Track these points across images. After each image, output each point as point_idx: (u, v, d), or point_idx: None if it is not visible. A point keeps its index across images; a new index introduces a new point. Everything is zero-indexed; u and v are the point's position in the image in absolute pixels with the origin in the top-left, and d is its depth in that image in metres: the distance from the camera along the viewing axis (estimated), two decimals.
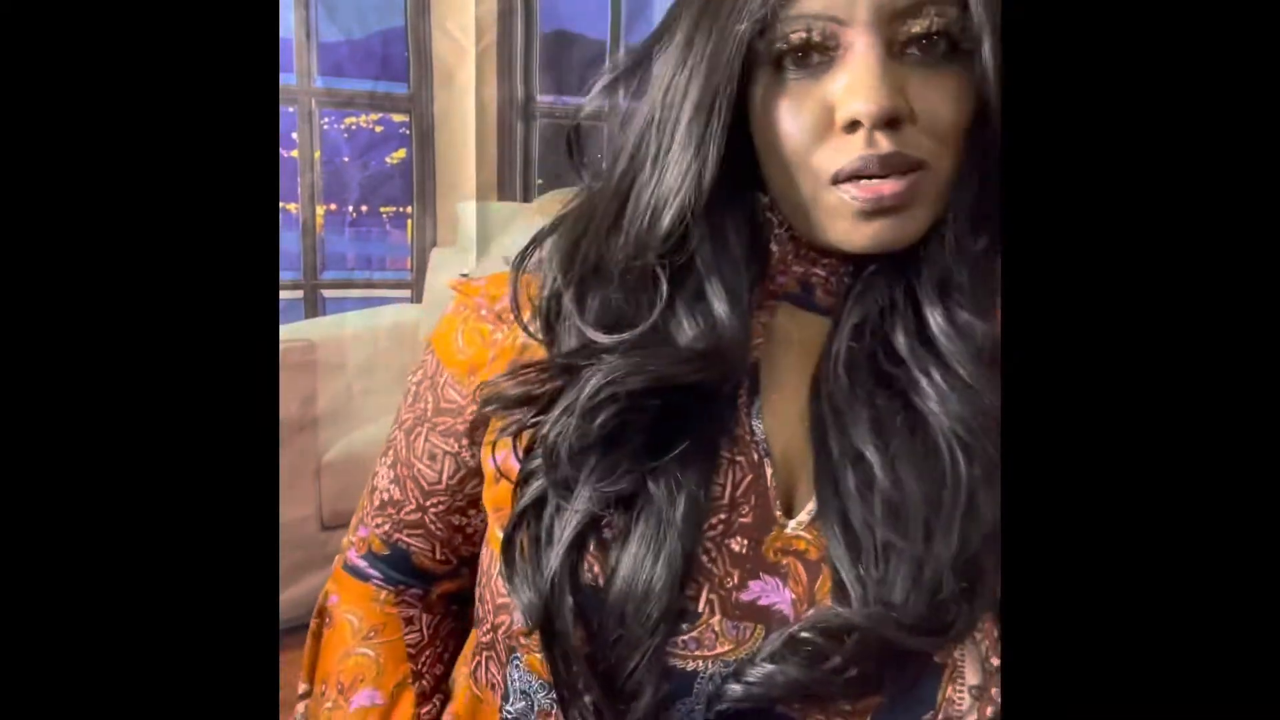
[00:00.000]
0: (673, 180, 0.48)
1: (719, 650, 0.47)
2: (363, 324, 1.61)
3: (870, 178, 0.46)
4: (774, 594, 0.48)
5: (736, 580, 0.48)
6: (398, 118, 1.57)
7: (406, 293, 1.63)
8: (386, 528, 0.61)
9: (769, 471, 0.50)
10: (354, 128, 1.55)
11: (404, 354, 1.64)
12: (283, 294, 1.52)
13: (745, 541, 0.49)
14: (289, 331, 1.54)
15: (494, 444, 0.53)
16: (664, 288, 0.49)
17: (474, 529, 0.61)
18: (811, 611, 0.47)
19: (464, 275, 0.61)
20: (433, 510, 0.60)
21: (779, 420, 0.51)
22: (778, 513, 0.49)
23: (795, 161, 0.47)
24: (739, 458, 0.50)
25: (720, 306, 0.49)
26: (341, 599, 0.64)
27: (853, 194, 0.46)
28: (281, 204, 1.45)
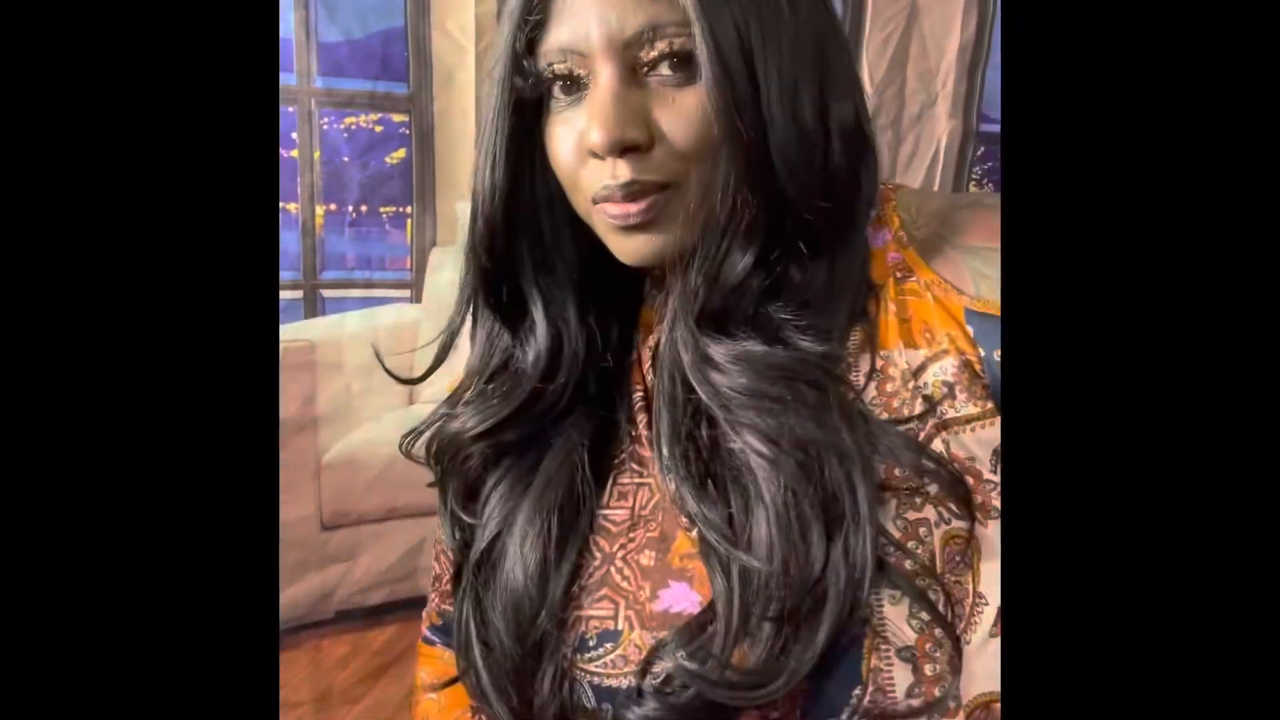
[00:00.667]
0: (481, 199, 0.52)
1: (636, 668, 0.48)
2: (363, 324, 1.61)
3: (613, 201, 0.48)
4: (683, 599, 0.49)
5: (648, 592, 0.49)
6: (398, 118, 1.57)
7: (406, 293, 1.64)
8: (436, 600, 0.65)
9: (671, 485, 0.50)
10: (354, 128, 1.55)
11: (404, 354, 1.63)
12: (283, 294, 1.52)
13: (653, 554, 0.50)
14: (289, 331, 1.55)
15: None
16: (477, 311, 0.54)
17: None
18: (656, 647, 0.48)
19: None
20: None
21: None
22: (683, 521, 0.50)
23: (569, 184, 0.50)
24: (647, 479, 0.52)
25: (564, 313, 0.53)
26: (420, 664, 0.68)
27: (609, 212, 0.48)
28: (281, 204, 1.45)
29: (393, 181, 1.59)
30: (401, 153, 1.58)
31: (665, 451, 0.50)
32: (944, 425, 0.47)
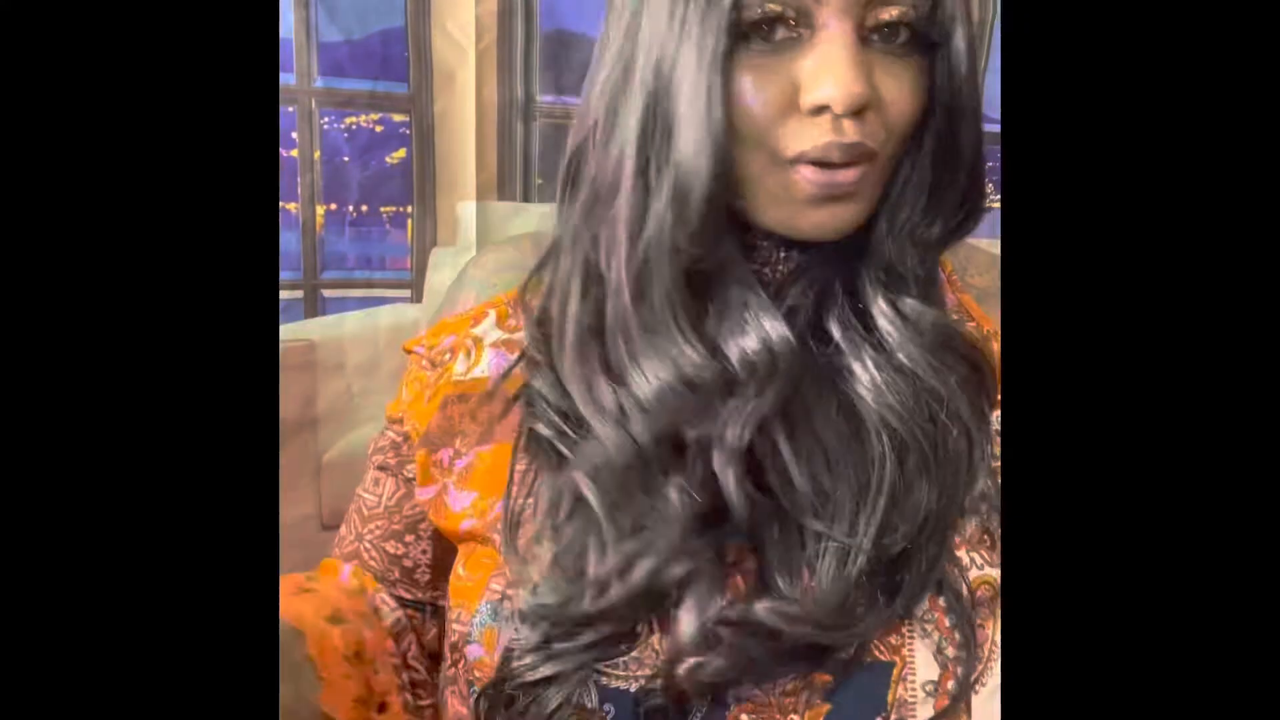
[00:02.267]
0: (691, 167, 0.45)
1: (660, 669, 0.46)
2: (363, 324, 1.61)
3: (830, 165, 0.45)
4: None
5: (674, 597, 0.46)
6: (398, 118, 1.57)
7: (406, 293, 1.63)
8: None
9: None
10: (354, 128, 1.55)
11: (404, 354, 1.64)
12: (283, 294, 1.52)
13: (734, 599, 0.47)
14: (289, 331, 1.55)
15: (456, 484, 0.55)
16: (687, 292, 0.47)
17: (412, 562, 0.60)
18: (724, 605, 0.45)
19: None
20: (369, 539, 0.60)
21: None
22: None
23: (753, 138, 0.45)
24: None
25: (766, 319, 0.47)
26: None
27: (810, 179, 0.45)
28: (281, 204, 1.45)
29: (393, 181, 1.58)
30: (401, 153, 1.58)
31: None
32: (991, 475, 0.47)
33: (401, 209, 1.60)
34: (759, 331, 0.47)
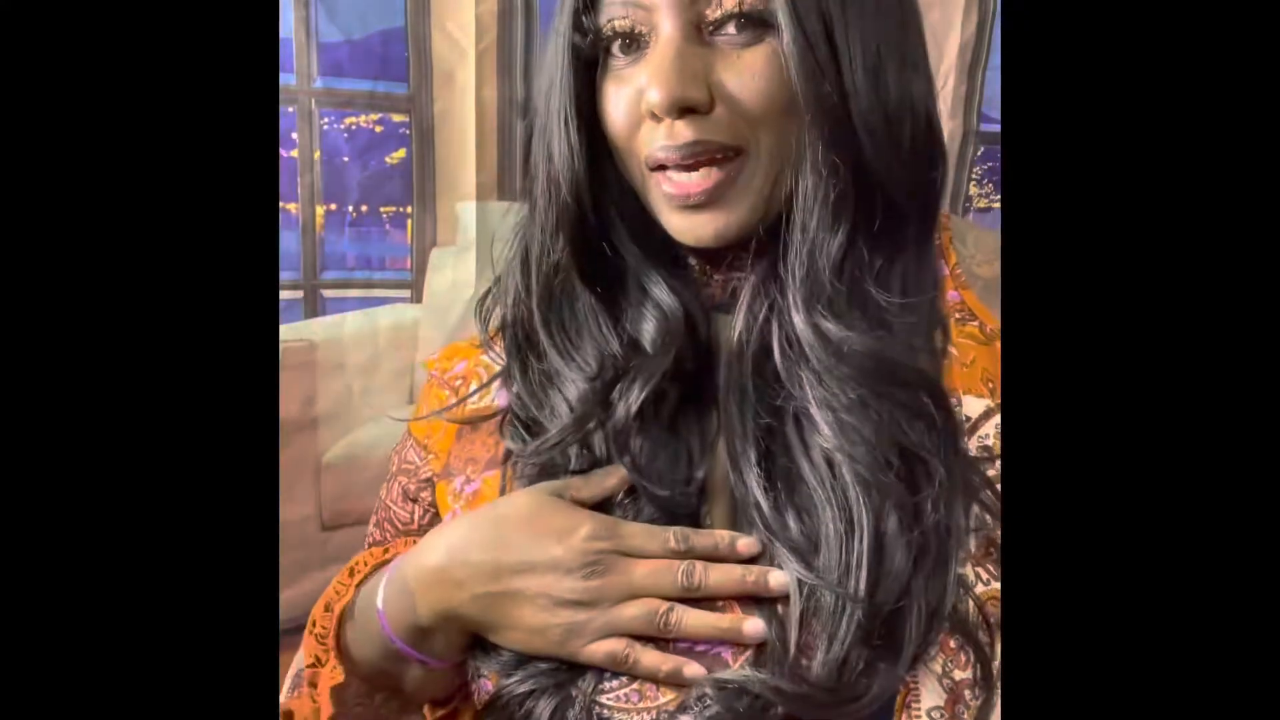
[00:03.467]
0: (553, 181, 0.48)
1: (660, 701, 0.46)
2: (363, 324, 1.61)
3: (678, 169, 0.45)
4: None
5: None
6: (398, 118, 1.56)
7: (406, 293, 1.63)
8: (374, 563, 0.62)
9: (703, 510, 0.49)
10: (354, 128, 1.55)
11: (404, 354, 1.64)
12: (283, 294, 1.51)
13: None
14: (289, 331, 1.54)
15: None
16: (585, 288, 0.50)
17: None
18: (718, 675, 0.44)
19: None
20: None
21: (715, 454, 0.49)
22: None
23: (624, 148, 0.47)
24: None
25: (663, 297, 0.49)
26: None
27: (664, 189, 0.46)
28: (281, 204, 1.45)
29: (393, 181, 1.58)
30: (401, 153, 1.58)
31: (738, 450, 0.46)
32: (990, 483, 0.45)
33: (401, 209, 1.60)
34: (655, 311, 0.49)
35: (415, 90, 1.54)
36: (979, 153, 1.95)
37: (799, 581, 0.44)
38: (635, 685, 0.46)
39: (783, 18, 0.43)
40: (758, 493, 0.45)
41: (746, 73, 0.44)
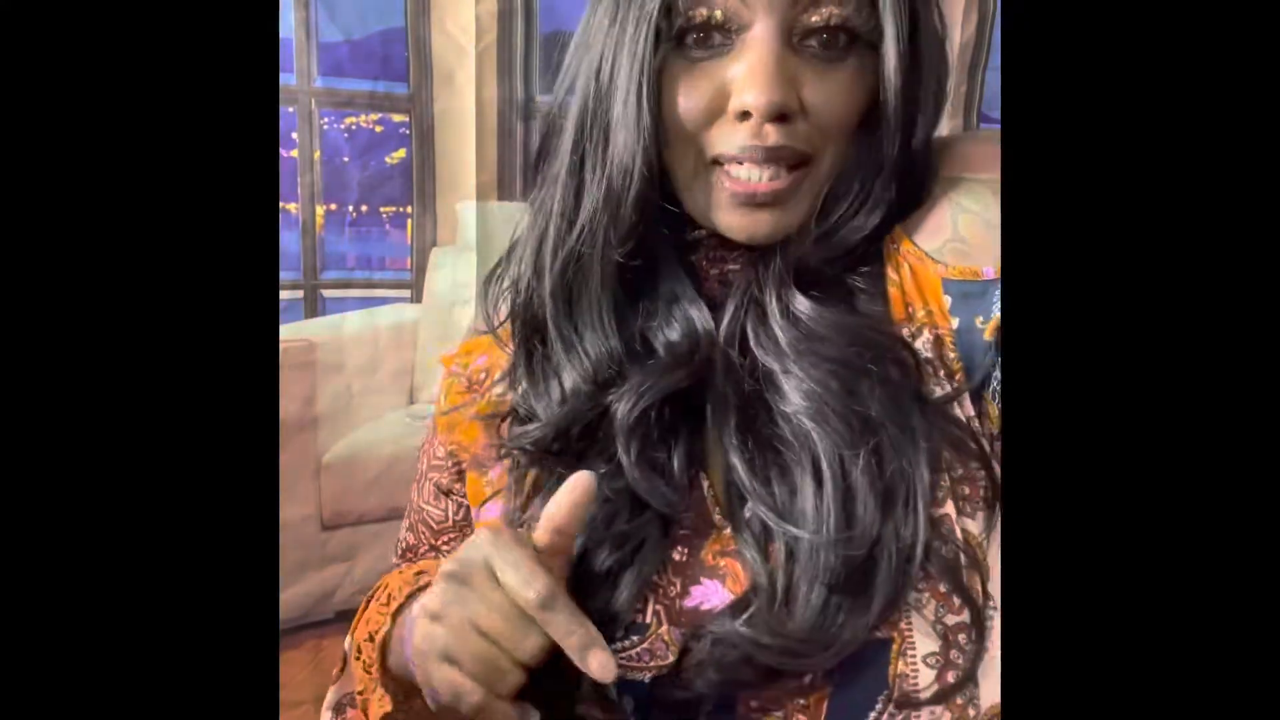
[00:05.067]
0: (623, 167, 0.47)
1: (670, 660, 0.47)
2: (363, 324, 1.61)
3: (747, 164, 0.46)
4: (714, 597, 0.48)
5: (679, 588, 0.48)
6: (398, 118, 1.57)
7: (406, 293, 1.63)
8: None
9: (705, 482, 0.50)
10: (354, 128, 1.55)
11: (404, 354, 1.64)
12: (283, 294, 1.51)
13: (685, 550, 0.49)
14: (289, 331, 1.54)
15: (487, 499, 0.56)
16: (614, 284, 0.49)
17: None
18: (707, 627, 0.46)
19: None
20: (445, 548, 0.61)
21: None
22: (717, 517, 0.49)
23: (684, 139, 0.47)
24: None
25: (695, 311, 0.50)
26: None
27: (725, 184, 0.46)
28: (281, 204, 1.45)
29: (393, 181, 1.58)
30: (401, 153, 1.58)
31: (722, 421, 0.48)
32: (961, 424, 0.46)
33: (401, 209, 1.60)
34: (685, 324, 0.50)
35: (415, 90, 1.54)
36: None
37: (765, 539, 0.45)
38: (645, 645, 0.48)
39: (890, 40, 0.45)
40: (737, 459, 0.47)
41: (835, 88, 0.46)
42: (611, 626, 0.47)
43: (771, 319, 0.47)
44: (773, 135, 0.45)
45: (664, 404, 0.49)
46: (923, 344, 0.47)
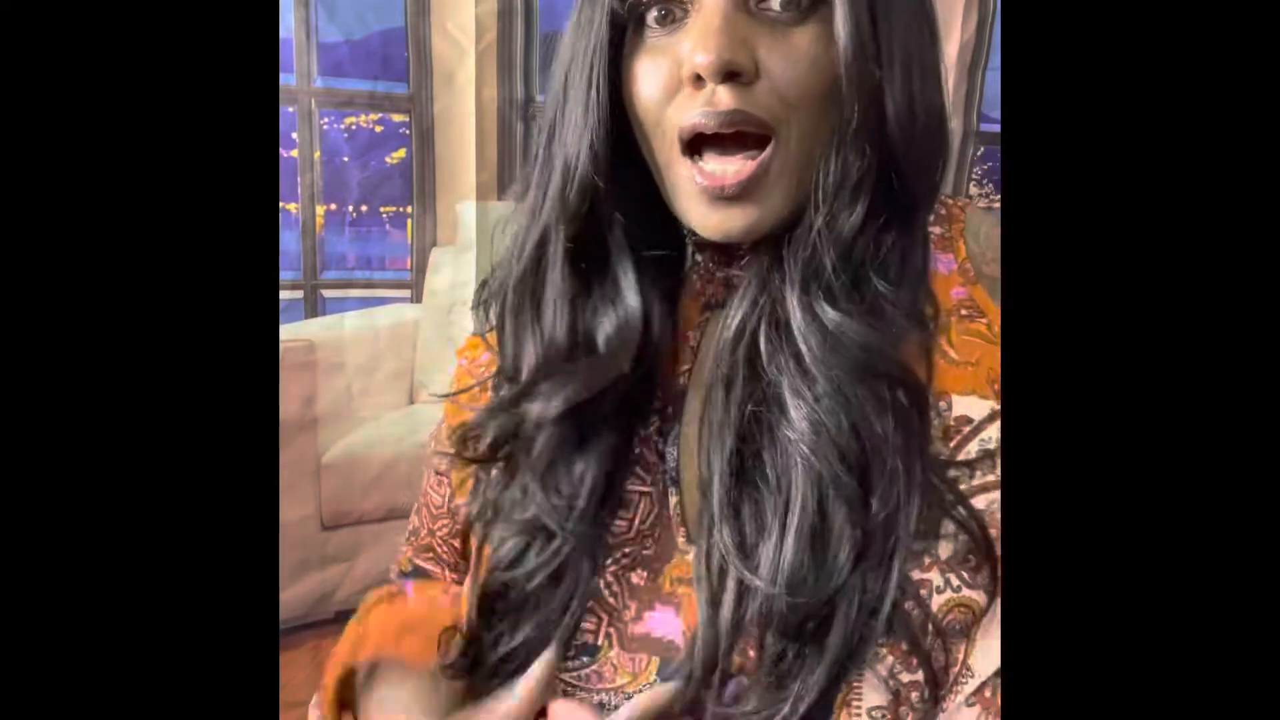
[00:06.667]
0: (571, 152, 0.46)
1: (618, 683, 0.47)
2: (363, 324, 1.61)
3: (717, 151, 0.44)
4: (666, 625, 0.47)
5: (633, 612, 0.48)
6: (398, 118, 1.57)
7: (406, 293, 1.64)
8: (409, 552, 0.63)
9: (673, 500, 0.49)
10: (354, 128, 1.55)
11: (404, 354, 1.64)
12: (283, 294, 1.52)
13: (645, 574, 0.48)
14: (289, 331, 1.54)
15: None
16: (566, 275, 0.48)
17: None
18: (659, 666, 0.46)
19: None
20: (440, 534, 0.61)
21: (693, 447, 0.49)
22: (680, 540, 0.48)
23: (650, 123, 0.46)
24: (648, 488, 0.49)
25: (630, 295, 0.48)
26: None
27: (695, 177, 0.44)
28: (281, 204, 1.45)
29: (393, 181, 1.58)
30: (401, 153, 1.58)
31: (713, 437, 0.45)
32: (986, 488, 0.44)
33: (401, 209, 1.60)
34: (617, 318, 0.48)
35: (415, 90, 1.55)
36: (979, 153, 1.95)
37: (719, 584, 0.44)
38: (595, 667, 0.48)
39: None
40: (717, 481, 0.45)
41: (793, 52, 0.43)
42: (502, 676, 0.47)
43: (791, 328, 0.45)
44: (726, 99, 0.43)
45: (602, 408, 0.47)
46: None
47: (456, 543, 0.61)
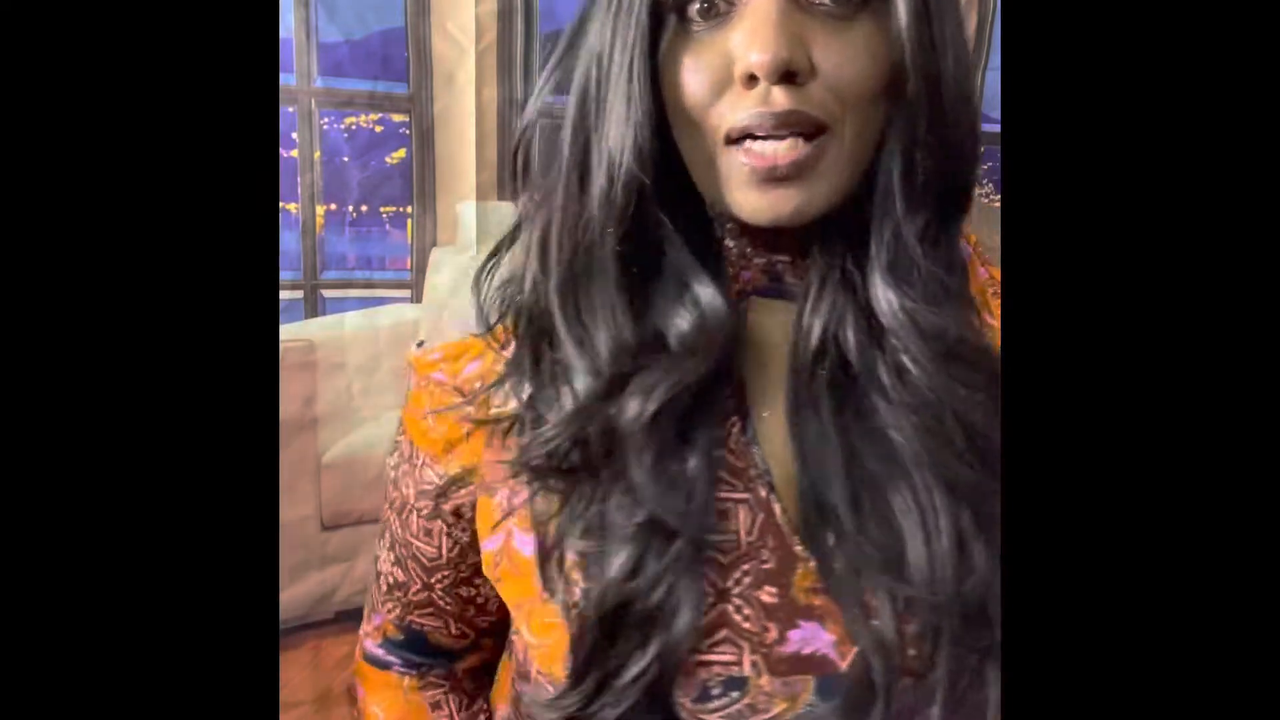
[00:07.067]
0: (614, 149, 0.45)
1: (775, 712, 0.44)
2: (363, 324, 1.61)
3: (765, 138, 0.42)
4: (815, 639, 0.44)
5: (775, 634, 0.45)
6: (398, 118, 1.56)
7: (406, 293, 1.63)
8: (398, 611, 0.59)
9: (778, 508, 0.46)
10: (354, 128, 1.55)
11: (404, 354, 1.63)
12: (283, 294, 1.51)
13: (774, 589, 0.45)
14: (289, 331, 1.54)
15: (495, 526, 0.51)
16: (618, 277, 0.46)
17: (484, 598, 0.58)
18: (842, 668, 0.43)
19: (420, 344, 0.57)
20: (439, 586, 0.57)
21: (776, 442, 0.47)
22: (797, 548, 0.45)
23: (695, 119, 0.44)
24: (743, 495, 0.46)
25: (704, 291, 0.46)
26: (367, 692, 0.62)
27: (743, 160, 0.43)
28: (281, 204, 1.45)
29: (393, 181, 1.58)
30: (401, 153, 1.58)
31: (815, 451, 0.44)
32: None
33: (401, 209, 1.60)
34: (693, 309, 0.46)
35: (415, 90, 1.54)
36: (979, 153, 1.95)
37: (889, 591, 0.42)
38: (747, 700, 0.44)
39: None
40: (833, 484, 0.43)
41: (849, 48, 0.42)
42: (668, 665, 0.44)
43: (876, 320, 0.44)
44: (782, 99, 0.41)
45: (686, 404, 0.45)
46: None
47: (461, 591, 0.57)
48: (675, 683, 0.44)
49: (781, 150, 0.42)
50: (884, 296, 0.44)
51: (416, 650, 0.60)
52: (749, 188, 0.44)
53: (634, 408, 0.44)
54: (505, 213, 1.61)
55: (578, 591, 0.46)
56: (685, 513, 0.44)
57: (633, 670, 0.44)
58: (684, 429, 0.46)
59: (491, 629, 0.60)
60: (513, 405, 0.51)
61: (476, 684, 0.63)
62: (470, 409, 0.52)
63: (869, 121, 0.44)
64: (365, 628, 0.62)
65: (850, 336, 0.45)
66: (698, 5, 0.43)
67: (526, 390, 0.49)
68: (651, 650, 0.44)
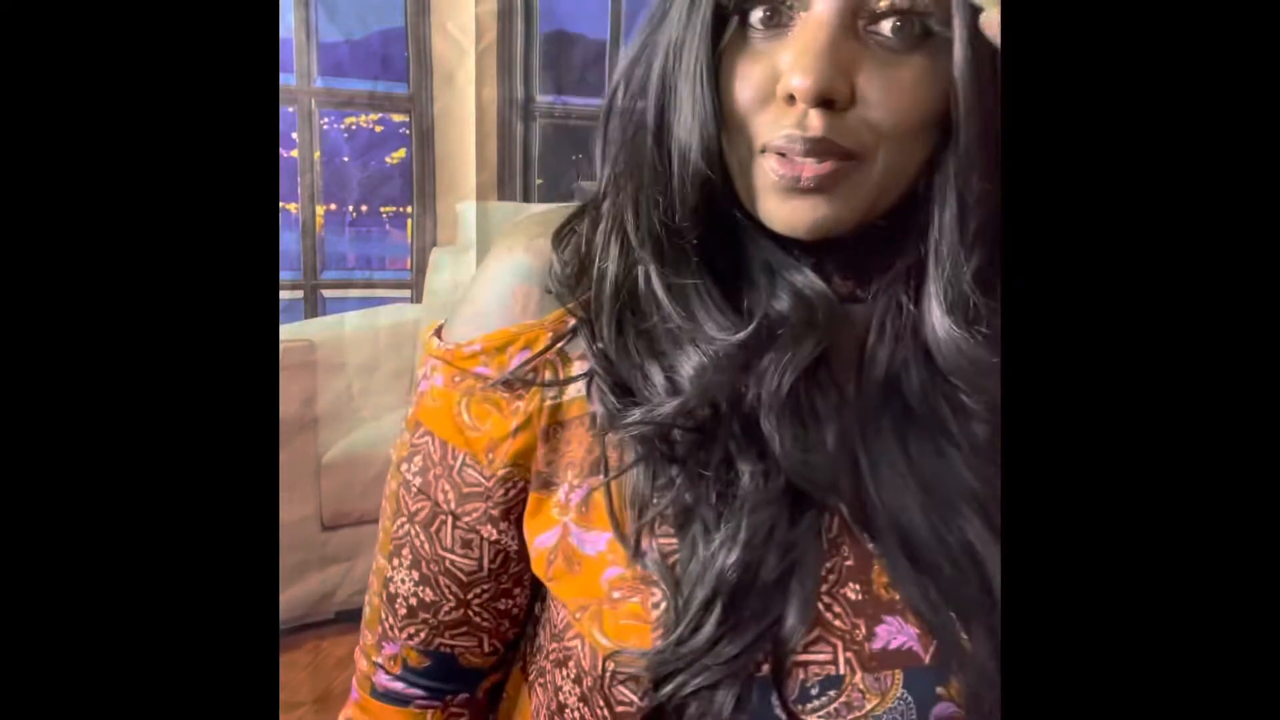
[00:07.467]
0: (685, 145, 0.45)
1: (868, 708, 0.44)
2: (363, 324, 1.61)
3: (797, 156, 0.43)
4: (900, 634, 0.45)
5: (864, 630, 0.45)
6: (398, 118, 1.57)
7: (406, 293, 1.63)
8: (423, 635, 0.55)
9: (844, 505, 0.47)
10: (354, 128, 1.55)
11: (404, 354, 1.64)
12: (283, 294, 1.52)
13: (858, 586, 0.46)
14: (289, 331, 1.54)
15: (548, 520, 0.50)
16: (704, 274, 0.47)
17: (519, 608, 0.57)
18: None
19: (437, 333, 0.54)
20: (476, 602, 0.54)
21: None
22: (870, 545, 0.46)
23: (735, 124, 0.45)
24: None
25: (798, 278, 0.47)
26: None
27: (772, 167, 0.43)
28: (281, 204, 1.45)
29: (393, 181, 1.58)
30: (401, 153, 1.58)
31: (892, 475, 0.45)
32: None
33: (401, 209, 1.60)
34: (789, 290, 0.47)
35: (415, 90, 1.54)
36: None
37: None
38: (842, 699, 0.45)
39: (959, 29, 0.41)
40: (906, 494, 0.45)
41: (896, 83, 0.42)
42: (782, 652, 0.44)
43: (936, 353, 0.45)
44: (817, 125, 0.42)
45: (802, 382, 0.46)
46: None
47: (500, 604, 0.55)
48: (785, 670, 0.44)
49: (809, 162, 0.43)
50: (945, 338, 0.45)
51: (444, 677, 0.56)
52: (774, 195, 0.44)
53: (769, 387, 0.45)
54: (505, 212, 1.62)
55: (687, 560, 0.45)
56: (827, 482, 0.45)
57: (724, 652, 0.44)
58: (811, 402, 0.46)
59: (514, 641, 0.58)
60: (573, 394, 0.50)
61: (491, 705, 0.61)
62: (520, 403, 0.50)
63: (906, 153, 0.44)
64: (375, 659, 0.57)
65: (914, 377, 0.47)
66: (761, 13, 0.43)
67: (600, 352, 0.48)
68: (744, 639, 0.44)
